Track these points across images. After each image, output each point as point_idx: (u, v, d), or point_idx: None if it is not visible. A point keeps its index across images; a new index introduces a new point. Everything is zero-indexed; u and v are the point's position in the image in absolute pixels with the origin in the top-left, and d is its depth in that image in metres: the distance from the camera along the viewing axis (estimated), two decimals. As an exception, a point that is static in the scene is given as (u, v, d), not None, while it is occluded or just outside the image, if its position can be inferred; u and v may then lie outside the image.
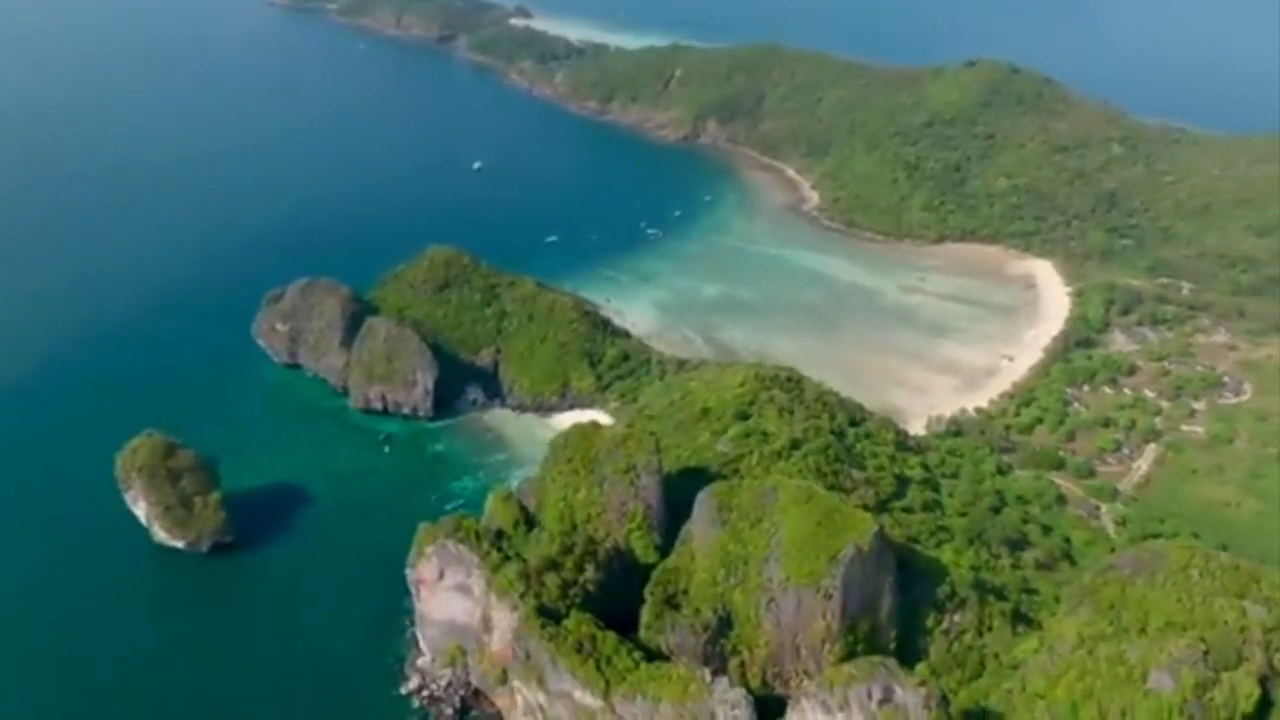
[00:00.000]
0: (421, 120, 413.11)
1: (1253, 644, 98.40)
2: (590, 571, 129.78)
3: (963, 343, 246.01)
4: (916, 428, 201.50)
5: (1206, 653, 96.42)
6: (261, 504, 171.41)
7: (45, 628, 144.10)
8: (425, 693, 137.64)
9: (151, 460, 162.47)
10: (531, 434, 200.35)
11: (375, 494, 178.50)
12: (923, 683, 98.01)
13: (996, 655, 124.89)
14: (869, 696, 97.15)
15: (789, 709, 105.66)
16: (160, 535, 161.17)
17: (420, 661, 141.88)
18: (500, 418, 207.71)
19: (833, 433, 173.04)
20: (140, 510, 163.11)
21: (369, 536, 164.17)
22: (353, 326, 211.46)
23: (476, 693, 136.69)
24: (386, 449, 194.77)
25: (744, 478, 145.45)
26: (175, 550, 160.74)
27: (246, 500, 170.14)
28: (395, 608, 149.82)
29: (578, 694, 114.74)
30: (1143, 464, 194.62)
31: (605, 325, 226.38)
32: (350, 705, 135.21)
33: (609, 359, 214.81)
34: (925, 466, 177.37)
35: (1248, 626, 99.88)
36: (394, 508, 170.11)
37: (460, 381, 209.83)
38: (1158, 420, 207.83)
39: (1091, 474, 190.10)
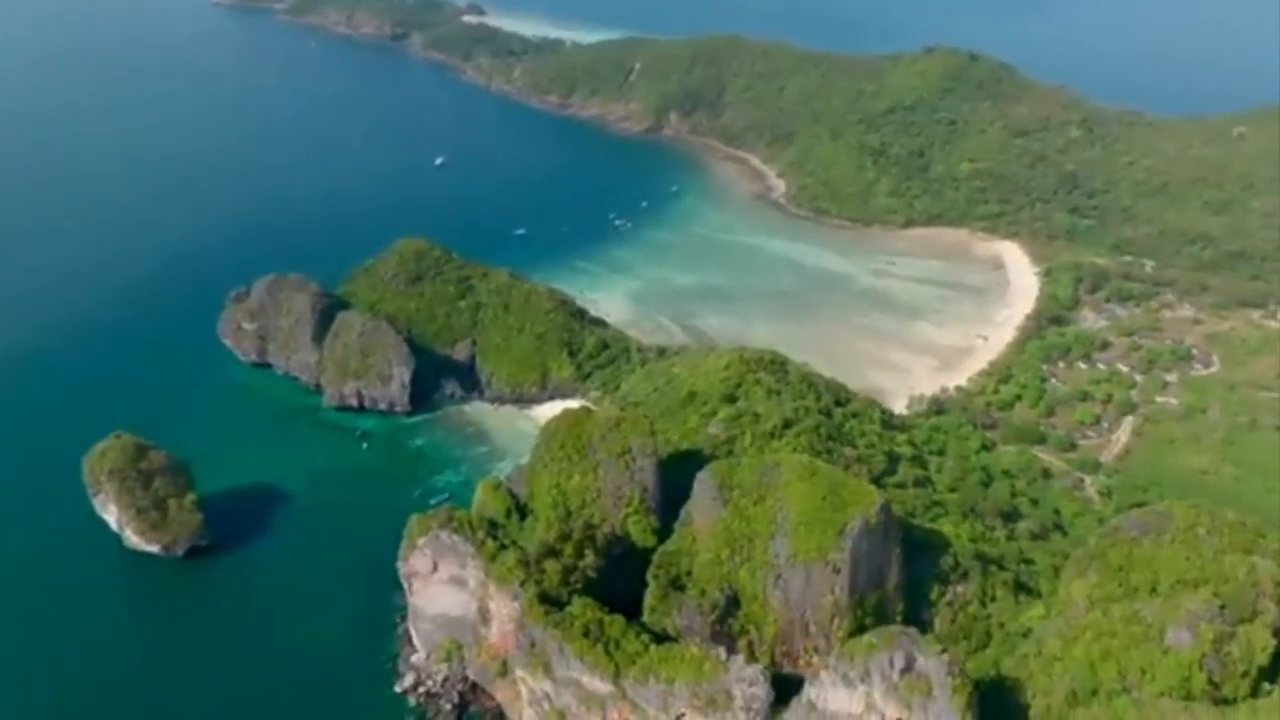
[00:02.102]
0: (380, 117, 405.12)
1: (1265, 597, 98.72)
2: (590, 557, 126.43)
3: (937, 324, 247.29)
4: (899, 407, 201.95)
5: (1223, 607, 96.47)
6: (238, 506, 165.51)
7: (16, 642, 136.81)
8: (421, 690, 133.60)
9: (122, 462, 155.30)
10: (512, 426, 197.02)
11: (356, 492, 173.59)
12: (944, 650, 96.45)
13: (1002, 625, 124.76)
14: (890, 666, 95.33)
15: (807, 684, 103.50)
16: (133, 540, 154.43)
17: (414, 658, 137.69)
18: (479, 410, 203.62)
19: (821, 413, 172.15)
20: (110, 515, 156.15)
21: (352, 535, 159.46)
22: (323, 322, 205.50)
23: (474, 687, 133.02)
24: (364, 446, 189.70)
25: (739, 458, 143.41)
26: (149, 555, 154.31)
27: (222, 503, 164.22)
28: (384, 605, 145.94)
29: (586, 680, 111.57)
30: (1121, 436, 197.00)
31: (582, 315, 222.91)
32: (344, 707, 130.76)
33: (588, 348, 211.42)
34: (912, 444, 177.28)
35: (1259, 581, 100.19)
36: (376, 505, 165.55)
37: (436, 375, 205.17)
38: (1133, 393, 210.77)
39: (1073, 447, 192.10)
